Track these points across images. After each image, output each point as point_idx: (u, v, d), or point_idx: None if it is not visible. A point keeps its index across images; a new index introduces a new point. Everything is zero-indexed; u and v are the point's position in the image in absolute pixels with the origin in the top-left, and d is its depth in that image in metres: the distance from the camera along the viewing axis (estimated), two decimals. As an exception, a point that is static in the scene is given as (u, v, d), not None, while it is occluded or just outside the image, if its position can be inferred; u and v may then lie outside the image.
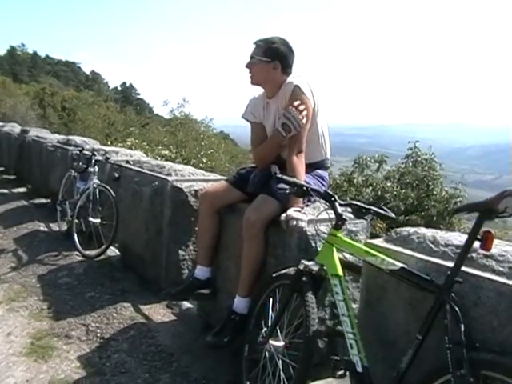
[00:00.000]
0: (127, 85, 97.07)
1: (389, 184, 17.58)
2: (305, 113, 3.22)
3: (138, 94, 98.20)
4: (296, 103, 3.23)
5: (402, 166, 18.60)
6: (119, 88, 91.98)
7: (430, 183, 17.31)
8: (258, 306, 3.05)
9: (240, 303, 3.24)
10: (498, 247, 2.07)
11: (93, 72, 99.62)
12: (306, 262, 2.66)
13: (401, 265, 2.18)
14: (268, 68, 3.40)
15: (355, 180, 17.44)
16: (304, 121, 3.21)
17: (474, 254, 2.08)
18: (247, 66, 3.50)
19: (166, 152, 17.40)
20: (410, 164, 18.39)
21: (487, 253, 2.03)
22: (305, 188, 2.76)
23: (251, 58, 3.47)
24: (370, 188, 17.25)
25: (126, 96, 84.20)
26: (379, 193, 17.01)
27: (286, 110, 3.25)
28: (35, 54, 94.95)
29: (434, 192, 17.11)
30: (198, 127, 24.84)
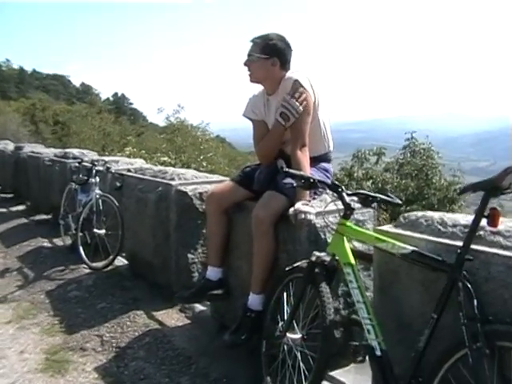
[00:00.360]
0: (119, 95, 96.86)
1: (388, 175, 17.73)
2: (302, 98, 3.24)
3: (131, 103, 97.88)
4: (291, 92, 3.26)
5: (401, 157, 18.78)
6: (111, 99, 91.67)
7: (428, 172, 17.49)
8: (273, 302, 3.09)
9: (254, 300, 3.27)
10: (503, 224, 2.12)
11: (83, 84, 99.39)
12: (318, 254, 2.70)
13: (412, 248, 2.22)
14: (267, 65, 3.43)
15: (355, 174, 17.57)
16: (301, 107, 3.23)
17: (481, 232, 2.13)
18: (246, 64, 3.52)
19: (166, 158, 17.43)
20: (408, 155, 18.56)
21: (494, 229, 2.07)
22: (312, 180, 2.79)
23: (249, 55, 3.49)
24: (371, 181, 17.37)
25: (119, 106, 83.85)
26: (380, 185, 17.14)
27: (283, 99, 3.28)
28: (22, 69, 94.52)
29: (434, 181, 17.27)
30: (194, 132, 24.81)
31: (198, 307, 4.33)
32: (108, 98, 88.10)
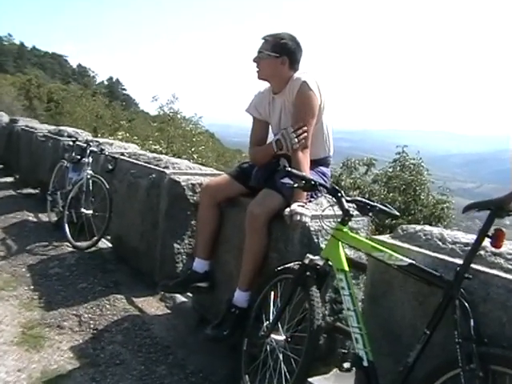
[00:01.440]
0: (114, 80, 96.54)
1: (376, 187, 17.80)
2: (302, 136, 3.24)
3: (125, 89, 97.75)
4: (298, 125, 3.26)
5: (390, 170, 18.80)
6: (106, 82, 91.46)
7: (417, 188, 17.57)
8: (259, 300, 3.06)
9: (240, 297, 3.24)
10: (505, 246, 2.09)
11: (80, 65, 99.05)
12: (312, 257, 2.67)
13: (409, 260, 2.19)
14: (276, 63, 3.41)
15: (343, 182, 17.61)
16: (297, 145, 3.22)
17: (482, 252, 2.10)
18: (255, 61, 3.50)
19: (157, 147, 17.40)
20: (398, 168, 18.58)
21: (497, 250, 2.06)
22: (313, 182, 2.77)
23: (259, 52, 3.47)
24: (358, 191, 17.43)
25: (113, 91, 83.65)
26: (367, 196, 17.15)
27: (286, 130, 3.28)
28: (22, 44, 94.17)
29: (421, 197, 17.35)
30: (185, 124, 24.76)
31: (180, 298, 4.29)
32: (102, 82, 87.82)
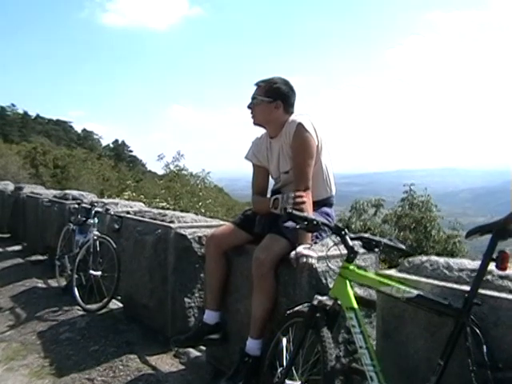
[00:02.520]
0: (119, 142, 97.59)
1: (387, 227, 17.71)
2: (300, 206, 3.17)
3: (131, 150, 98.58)
4: (299, 193, 3.22)
5: (399, 209, 18.74)
6: (111, 145, 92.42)
7: (427, 225, 17.45)
8: (272, 347, 3.01)
9: (252, 345, 3.20)
10: (511, 268, 2.07)
11: (84, 130, 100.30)
12: (320, 297, 2.64)
13: (417, 292, 2.17)
14: (270, 108, 3.45)
15: (353, 225, 17.53)
16: (292, 211, 3.11)
17: (489, 276, 2.10)
18: (249, 107, 3.54)
19: (164, 204, 17.42)
20: (407, 207, 18.51)
21: (503, 273, 2.04)
22: (315, 222, 2.75)
23: (253, 98, 3.52)
24: (369, 232, 17.34)
25: (119, 153, 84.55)
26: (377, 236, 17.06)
27: (287, 194, 3.26)
28: (25, 113, 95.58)
29: (432, 233, 17.21)
30: (193, 181, 24.90)
31: (193, 352, 4.22)
32: (108, 145, 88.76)
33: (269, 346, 3.03)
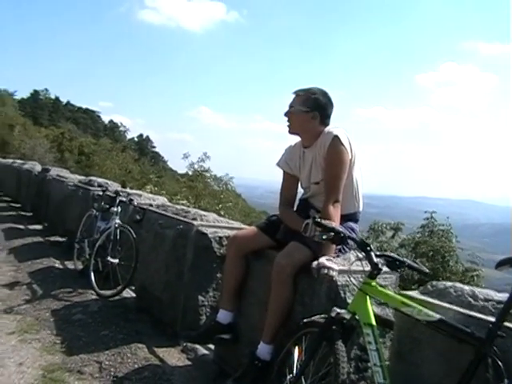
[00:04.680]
0: (144, 137, 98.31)
1: (403, 252, 17.51)
2: (327, 236, 2.92)
3: (154, 146, 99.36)
4: (324, 227, 2.95)
5: (418, 235, 18.54)
6: (136, 139, 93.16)
7: (445, 254, 17.20)
8: (283, 354, 3.00)
9: (264, 349, 3.21)
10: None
11: (111, 121, 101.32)
12: (339, 310, 2.64)
13: (439, 316, 2.16)
14: (307, 118, 3.46)
15: (369, 247, 17.39)
16: (318, 240, 2.94)
17: (515, 310, 2.06)
18: (286, 115, 3.56)
19: (185, 202, 17.52)
20: (426, 234, 18.31)
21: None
22: (342, 235, 2.76)
23: (290, 107, 3.53)
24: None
25: (142, 148, 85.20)
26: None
27: (321, 219, 2.98)
28: (57, 99, 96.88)
29: (450, 263, 16.98)
30: (214, 183, 25.02)
31: (201, 350, 4.23)
32: (133, 138, 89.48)
33: (280, 353, 3.03)
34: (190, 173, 26.14)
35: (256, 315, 3.49)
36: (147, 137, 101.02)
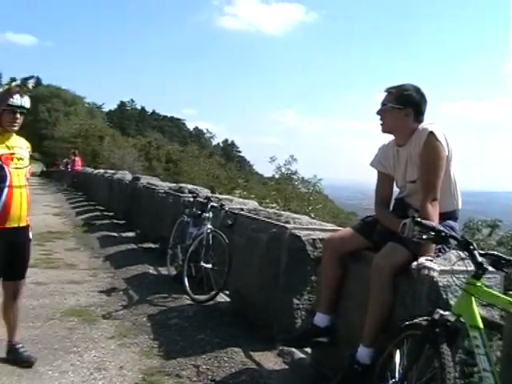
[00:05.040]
0: (229, 142, 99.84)
1: (502, 250, 16.82)
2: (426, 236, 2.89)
3: (239, 151, 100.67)
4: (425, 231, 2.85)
5: (519, 233, 17.72)
6: (221, 144, 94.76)
7: (550, 252, 16.36)
8: (384, 357, 2.93)
9: (364, 353, 3.15)
10: None
11: (196, 128, 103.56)
12: (442, 312, 2.55)
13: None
14: (400, 115, 3.37)
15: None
16: (418, 219, 2.88)
17: None
18: (378, 113, 3.48)
19: (274, 205, 17.66)
20: (528, 232, 17.47)
21: None
22: (443, 234, 2.67)
23: (383, 105, 3.46)
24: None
25: (227, 153, 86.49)
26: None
27: (420, 218, 2.87)
28: (143, 109, 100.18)
29: (556, 265, 16.12)
30: (301, 185, 25.08)
31: (298, 353, 4.21)
32: (218, 144, 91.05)
33: (380, 356, 2.96)
34: (277, 176, 26.45)
35: (354, 317, 3.44)
36: (232, 142, 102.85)
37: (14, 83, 3.72)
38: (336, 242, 3.56)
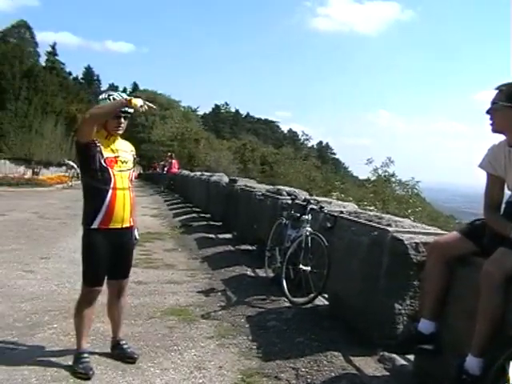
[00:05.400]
0: (323, 144, 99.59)
1: None
2: None
3: (334, 153, 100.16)
4: None
5: None
6: (315, 146, 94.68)
7: None
8: (495, 368, 2.80)
9: (473, 363, 3.00)
10: None
11: (290, 130, 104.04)
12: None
13: None
14: None
15: None
16: None
17: None
18: (488, 113, 3.33)
19: (372, 207, 17.45)
20: None
21: None
22: None
23: (493, 103, 3.30)
24: None
25: (322, 155, 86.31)
26: None
27: None
28: (237, 112, 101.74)
29: None
30: (398, 188, 24.71)
31: (399, 360, 4.09)
32: (312, 146, 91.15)
33: (492, 368, 2.83)
34: (373, 178, 26.22)
35: (462, 325, 3.29)
36: (327, 143, 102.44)
37: (137, 101, 3.90)
38: (442, 246, 3.43)
